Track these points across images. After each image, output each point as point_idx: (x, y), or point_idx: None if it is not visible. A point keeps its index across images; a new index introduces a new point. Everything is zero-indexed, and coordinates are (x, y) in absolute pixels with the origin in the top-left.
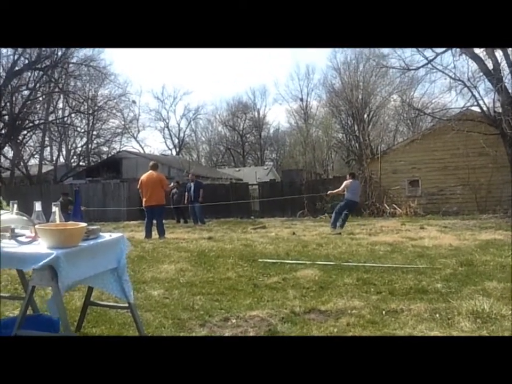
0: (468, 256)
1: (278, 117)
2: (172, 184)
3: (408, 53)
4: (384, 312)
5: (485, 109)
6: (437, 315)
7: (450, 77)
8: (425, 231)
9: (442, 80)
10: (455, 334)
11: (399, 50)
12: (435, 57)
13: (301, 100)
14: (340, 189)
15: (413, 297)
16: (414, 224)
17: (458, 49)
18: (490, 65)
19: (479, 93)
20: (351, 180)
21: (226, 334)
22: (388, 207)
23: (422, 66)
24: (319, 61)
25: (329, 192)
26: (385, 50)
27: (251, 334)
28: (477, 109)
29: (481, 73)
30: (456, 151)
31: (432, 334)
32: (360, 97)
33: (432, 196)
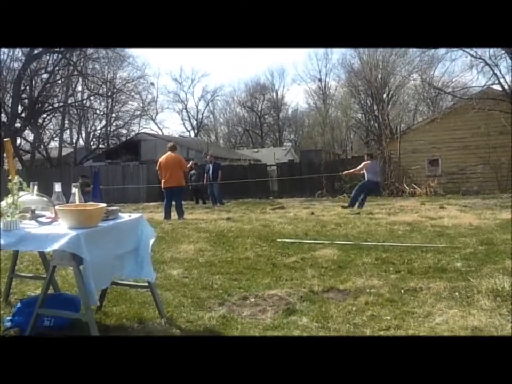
0: (488, 235)
1: (297, 97)
2: (190, 164)
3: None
4: (403, 290)
5: (506, 87)
6: (456, 293)
7: (471, 55)
8: (445, 210)
9: (463, 58)
10: (474, 312)
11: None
12: None
13: (320, 80)
14: (357, 168)
15: (432, 276)
16: (433, 203)
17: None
18: None
19: (500, 71)
20: (369, 161)
21: (245, 313)
22: (407, 187)
23: None
24: None
25: (345, 172)
26: None
27: (270, 313)
28: (498, 87)
29: (502, 51)
30: (477, 130)
31: (451, 312)
32: (379, 76)
33: (452, 175)
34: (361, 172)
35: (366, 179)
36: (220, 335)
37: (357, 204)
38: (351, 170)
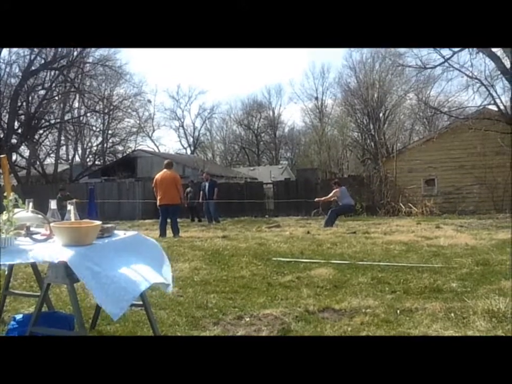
0: (484, 256)
1: (293, 116)
2: (188, 189)
3: (424, 52)
4: (398, 311)
5: (502, 107)
6: (452, 314)
7: (467, 75)
8: (441, 230)
9: (459, 78)
10: (470, 333)
11: (415, 49)
12: (452, 56)
13: (316, 98)
14: (328, 196)
15: (428, 296)
16: (429, 223)
17: (475, 48)
18: (507, 63)
19: (496, 91)
20: (338, 189)
21: (240, 333)
22: (403, 206)
23: (439, 64)
24: (335, 60)
25: (316, 199)
26: (402, 49)
27: (265, 333)
28: (494, 107)
29: (498, 72)
30: (473, 150)
31: (447, 333)
32: (375, 96)
33: (448, 195)
34: (333, 199)
35: (343, 203)
36: (220, 335)
37: (333, 223)
38: (322, 198)
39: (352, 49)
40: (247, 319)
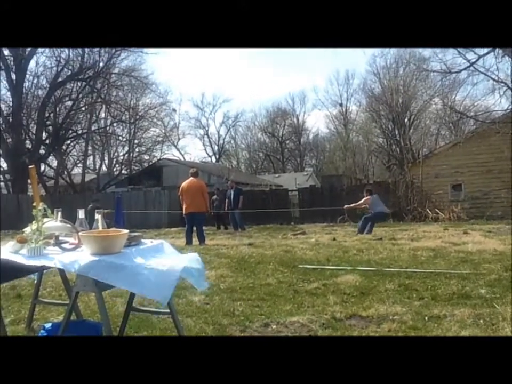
0: None
1: (317, 122)
2: (214, 197)
3: (449, 56)
4: (426, 317)
5: None
6: (481, 321)
7: (493, 79)
8: (468, 236)
9: (484, 82)
10: None
11: (440, 54)
12: (477, 60)
13: (341, 105)
14: (359, 203)
15: (456, 302)
16: (457, 229)
17: (500, 51)
18: None
19: None
20: (369, 196)
21: None
22: (430, 212)
23: (464, 69)
24: (358, 66)
25: (346, 206)
26: (426, 54)
27: None
28: None
29: None
30: (500, 154)
31: None
32: (400, 101)
33: (475, 200)
34: (363, 206)
35: (376, 211)
36: (220, 335)
37: (366, 231)
38: (352, 205)
39: (376, 54)
40: (274, 327)
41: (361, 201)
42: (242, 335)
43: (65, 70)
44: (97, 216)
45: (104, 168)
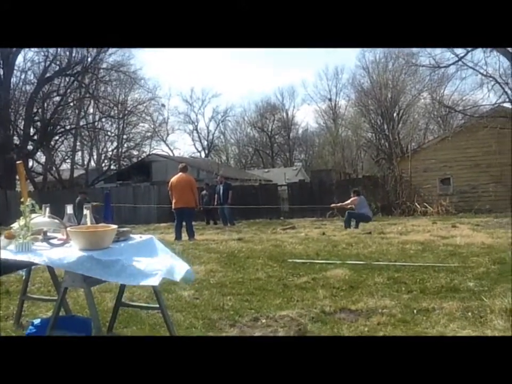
0: (501, 254)
1: (307, 117)
2: (203, 192)
3: (438, 51)
4: (415, 311)
5: None
6: (469, 313)
7: (482, 74)
8: (457, 229)
9: (473, 77)
10: (488, 332)
11: (428, 48)
12: (465, 54)
13: (330, 99)
14: (345, 203)
15: (445, 295)
16: (445, 222)
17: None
18: None
19: (511, 89)
20: (356, 197)
21: (256, 334)
22: (418, 206)
23: (453, 63)
24: (348, 61)
25: (332, 205)
26: (415, 49)
27: (281, 334)
28: (509, 105)
29: None
30: (488, 149)
31: (464, 332)
32: (389, 95)
33: (464, 194)
34: (349, 206)
35: (360, 213)
36: (220, 336)
37: (353, 227)
38: (338, 204)
39: (365, 49)
40: (264, 321)
41: (348, 201)
42: (232, 329)
43: (53, 65)
44: (86, 212)
45: (92, 163)
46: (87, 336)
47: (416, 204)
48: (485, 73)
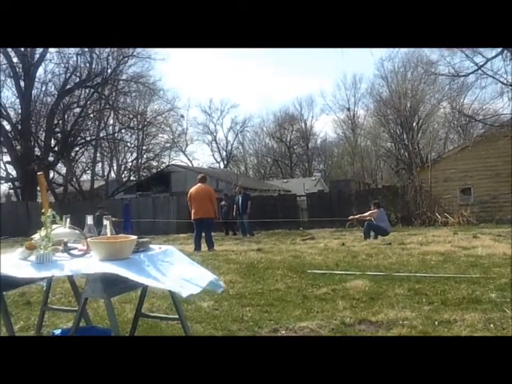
0: None
1: (325, 127)
2: (222, 203)
3: (457, 59)
4: (436, 322)
5: None
6: (491, 325)
7: (502, 82)
8: (478, 240)
9: (493, 85)
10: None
11: (447, 57)
12: (485, 63)
13: (348, 109)
14: (364, 215)
15: (466, 307)
16: (466, 233)
17: (509, 54)
18: None
19: None
20: (376, 210)
21: None
22: (439, 216)
23: (472, 72)
24: (366, 70)
25: (350, 217)
26: (434, 57)
27: None
28: None
29: None
30: (509, 158)
31: None
32: (408, 105)
33: (485, 204)
34: (368, 218)
35: (379, 225)
36: (220, 336)
37: (372, 237)
38: (357, 216)
39: (383, 58)
40: (283, 332)
41: (367, 213)
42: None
43: (73, 77)
44: (106, 222)
45: (112, 174)
46: (101, 336)
47: (437, 214)
48: (505, 81)
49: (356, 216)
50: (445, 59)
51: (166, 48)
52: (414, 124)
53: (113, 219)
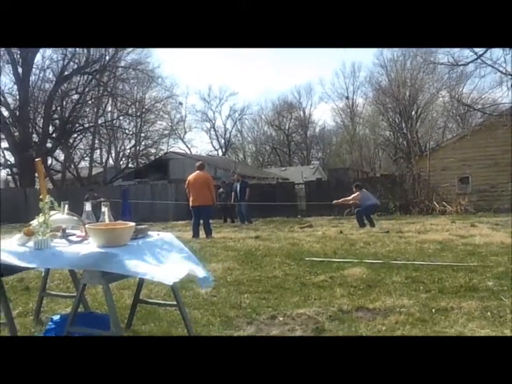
0: None
1: (324, 115)
2: (220, 190)
3: (456, 49)
4: (433, 310)
5: None
6: (488, 313)
7: (501, 72)
8: (476, 228)
9: (492, 75)
10: (507, 332)
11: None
12: (484, 52)
13: (347, 98)
14: (348, 199)
15: (464, 295)
16: (464, 221)
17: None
18: None
19: None
20: (358, 192)
21: (274, 332)
22: (437, 205)
23: (471, 61)
24: (365, 58)
25: (335, 201)
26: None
27: (298, 332)
28: None
29: None
30: (507, 147)
31: (483, 332)
32: (407, 94)
33: (483, 192)
34: (352, 202)
35: (366, 205)
36: (220, 335)
37: (368, 224)
38: (341, 200)
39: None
40: (281, 319)
41: (351, 197)
42: (249, 327)
43: (72, 63)
44: (104, 209)
45: (110, 161)
46: (105, 335)
47: (435, 202)
48: (504, 71)
49: (340, 201)
50: (444, 48)
51: (165, 48)
52: (413, 113)
53: (101, 199)
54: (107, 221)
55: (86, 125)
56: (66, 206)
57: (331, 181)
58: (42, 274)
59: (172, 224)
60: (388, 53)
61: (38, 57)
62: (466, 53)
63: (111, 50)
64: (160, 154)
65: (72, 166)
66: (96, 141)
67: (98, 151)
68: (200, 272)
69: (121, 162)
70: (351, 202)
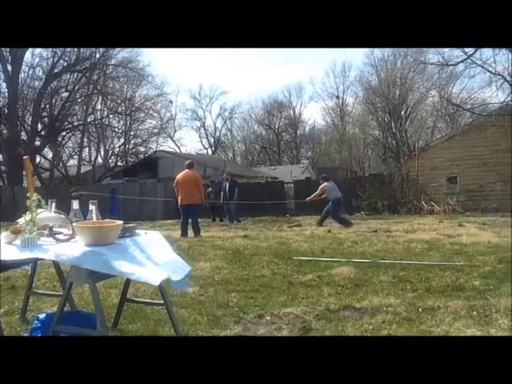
0: (507, 253)
1: (314, 114)
2: (209, 189)
3: (446, 48)
4: (420, 309)
5: None
6: (475, 312)
7: (490, 72)
8: (463, 228)
9: (481, 75)
10: (492, 331)
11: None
12: (474, 52)
13: (337, 97)
14: (317, 193)
15: (450, 294)
16: (452, 221)
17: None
18: None
19: None
20: (326, 183)
21: (261, 331)
22: (425, 205)
23: (461, 61)
24: (355, 58)
25: (308, 199)
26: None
27: (285, 331)
28: None
29: None
30: (496, 147)
31: (469, 331)
32: (397, 93)
33: (471, 192)
34: (323, 195)
35: (331, 198)
36: (220, 335)
37: (344, 223)
38: (312, 196)
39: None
40: (268, 318)
41: (318, 190)
42: (236, 326)
43: (61, 61)
44: (92, 207)
45: (99, 160)
46: (91, 335)
47: (423, 202)
48: (493, 71)
49: (311, 197)
50: (435, 48)
51: (166, 48)
52: (402, 112)
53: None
54: (94, 219)
55: (75, 123)
56: (54, 204)
57: (320, 180)
58: (29, 272)
59: (160, 223)
60: (378, 52)
61: (28, 55)
62: (456, 53)
63: (101, 48)
64: (149, 153)
65: (61, 164)
66: (85, 139)
67: (87, 149)
68: (178, 275)
69: (110, 161)
70: (321, 194)
